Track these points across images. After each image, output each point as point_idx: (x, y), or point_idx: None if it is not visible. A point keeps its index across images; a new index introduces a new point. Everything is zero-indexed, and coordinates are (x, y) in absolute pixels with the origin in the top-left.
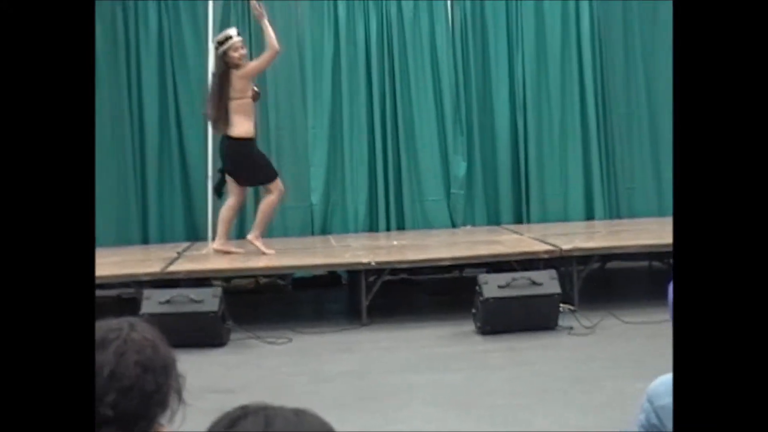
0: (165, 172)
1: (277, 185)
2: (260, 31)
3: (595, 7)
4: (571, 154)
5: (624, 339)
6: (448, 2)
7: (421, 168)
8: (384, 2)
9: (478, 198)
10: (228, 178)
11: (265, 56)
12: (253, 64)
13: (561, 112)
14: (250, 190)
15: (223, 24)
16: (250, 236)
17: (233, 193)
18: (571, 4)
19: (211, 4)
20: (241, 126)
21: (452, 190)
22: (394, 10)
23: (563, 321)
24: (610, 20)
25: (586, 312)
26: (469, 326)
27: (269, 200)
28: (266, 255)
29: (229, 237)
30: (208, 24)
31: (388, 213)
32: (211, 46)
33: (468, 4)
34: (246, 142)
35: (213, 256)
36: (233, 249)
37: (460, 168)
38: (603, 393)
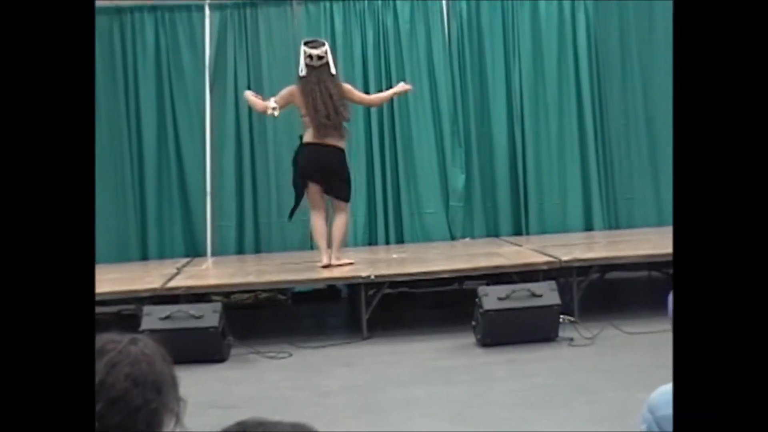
0: (164, 189)
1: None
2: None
3: (591, 17)
4: (569, 164)
5: (625, 349)
6: (445, 13)
7: (420, 180)
8: (380, 13)
9: (477, 210)
10: (322, 190)
11: (367, 98)
12: (360, 94)
13: (559, 123)
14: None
15: (220, 36)
16: (333, 261)
17: (343, 209)
18: (568, 15)
19: (207, 16)
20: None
21: (451, 203)
22: (390, 21)
23: (564, 332)
24: (606, 30)
25: (586, 323)
26: (470, 339)
27: (344, 221)
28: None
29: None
30: (205, 37)
31: (387, 226)
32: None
33: (464, 14)
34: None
35: (212, 271)
36: (347, 261)
37: (458, 180)
38: (604, 404)
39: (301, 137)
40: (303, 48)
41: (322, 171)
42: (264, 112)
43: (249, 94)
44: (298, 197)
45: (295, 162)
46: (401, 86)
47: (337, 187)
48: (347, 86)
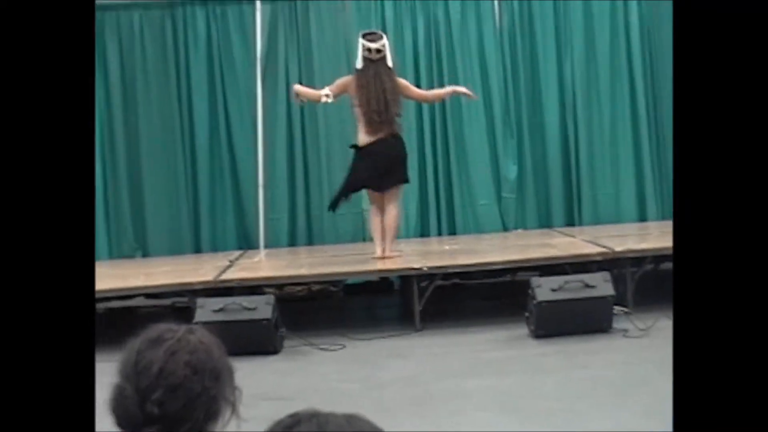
0: (216, 181)
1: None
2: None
3: (643, 6)
4: (622, 154)
5: None
6: (496, 3)
7: (472, 172)
8: (431, 4)
9: (529, 201)
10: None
11: (422, 94)
12: (416, 90)
13: (611, 113)
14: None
15: (271, 29)
16: (387, 252)
17: (395, 200)
18: (620, 4)
19: (259, 9)
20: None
21: (503, 194)
22: (441, 12)
23: (617, 323)
24: (659, 19)
25: (640, 314)
26: (523, 330)
27: (396, 213)
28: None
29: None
30: (256, 30)
31: (440, 218)
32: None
33: (516, 4)
34: None
35: (265, 263)
36: (395, 253)
37: (510, 171)
38: (658, 396)
39: (355, 145)
40: (361, 40)
41: (380, 173)
42: (318, 101)
43: (298, 87)
44: (345, 195)
45: (353, 168)
46: (462, 88)
47: (392, 176)
48: (403, 81)
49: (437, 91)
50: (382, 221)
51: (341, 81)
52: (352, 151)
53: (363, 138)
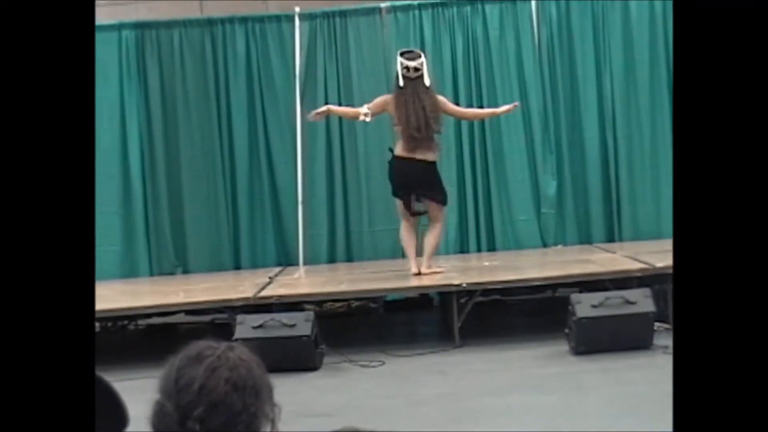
0: (256, 198)
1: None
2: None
3: None
4: (663, 169)
5: None
6: (534, 18)
7: (511, 188)
8: (469, 20)
9: (569, 217)
10: (434, 204)
11: (461, 111)
12: (454, 107)
13: (651, 128)
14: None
15: (309, 46)
16: (424, 269)
17: (439, 218)
18: (659, 19)
19: (297, 26)
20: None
21: (543, 210)
22: (479, 28)
23: (658, 340)
24: None
25: None
26: (563, 346)
27: (439, 231)
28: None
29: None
30: (295, 47)
31: (479, 234)
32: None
33: (554, 19)
34: None
35: (304, 280)
36: (438, 269)
37: (550, 187)
38: None
39: (391, 149)
40: (399, 59)
41: (409, 186)
42: (356, 118)
43: (333, 108)
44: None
45: (390, 175)
46: (501, 109)
47: (429, 194)
48: (442, 98)
49: (477, 111)
50: (415, 238)
51: (380, 100)
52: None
53: (400, 151)
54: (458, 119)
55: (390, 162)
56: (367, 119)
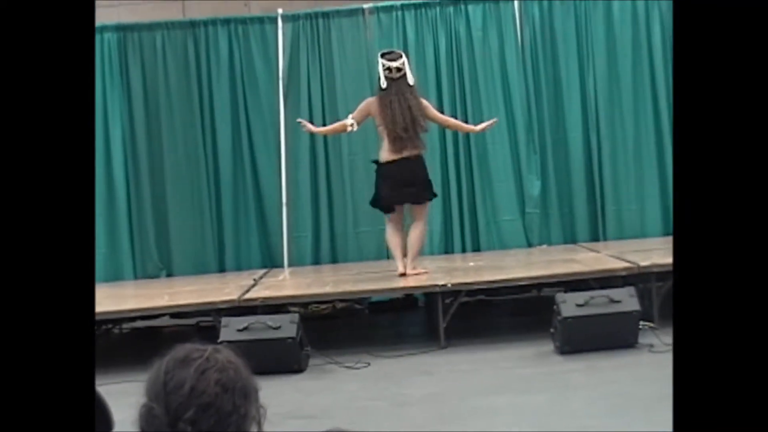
0: (240, 200)
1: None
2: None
3: (666, 21)
4: (646, 169)
5: None
6: (517, 18)
7: (495, 188)
8: (452, 20)
9: (553, 216)
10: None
11: (442, 118)
12: (435, 113)
13: (635, 128)
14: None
15: (293, 47)
16: (409, 270)
17: (422, 218)
18: (642, 19)
19: (280, 28)
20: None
21: (527, 210)
22: (462, 28)
23: (643, 339)
24: None
25: (666, 329)
26: (548, 346)
27: (422, 230)
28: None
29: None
30: (278, 48)
31: (464, 234)
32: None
33: (537, 19)
34: None
35: (289, 282)
36: (423, 270)
37: (534, 187)
38: None
39: (375, 161)
40: (381, 60)
41: (401, 189)
42: (343, 131)
43: (319, 129)
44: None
45: (377, 185)
46: (481, 126)
47: (418, 193)
48: (424, 101)
49: (459, 123)
50: (401, 238)
51: (363, 105)
52: (374, 167)
53: (386, 155)
54: (439, 126)
55: (377, 171)
56: (355, 129)
